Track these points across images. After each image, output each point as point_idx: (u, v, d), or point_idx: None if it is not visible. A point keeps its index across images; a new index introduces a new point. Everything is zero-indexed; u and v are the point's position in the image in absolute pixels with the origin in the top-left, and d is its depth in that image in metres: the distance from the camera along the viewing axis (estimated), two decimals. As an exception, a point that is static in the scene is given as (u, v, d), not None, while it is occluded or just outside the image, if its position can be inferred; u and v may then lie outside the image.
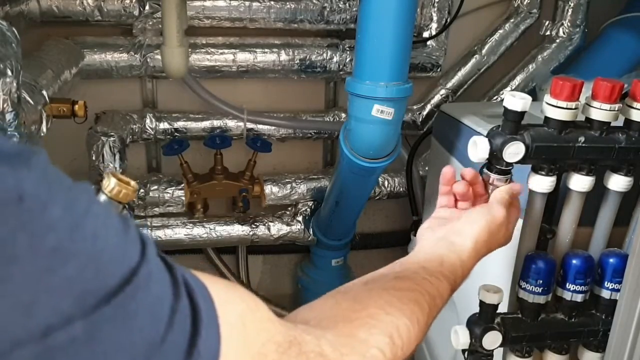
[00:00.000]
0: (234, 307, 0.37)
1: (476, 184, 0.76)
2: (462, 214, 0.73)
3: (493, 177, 0.77)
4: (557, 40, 1.59)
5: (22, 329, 0.24)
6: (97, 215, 0.29)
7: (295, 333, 0.42)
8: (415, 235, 1.55)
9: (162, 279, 0.32)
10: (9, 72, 0.73)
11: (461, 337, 0.84)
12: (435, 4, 1.56)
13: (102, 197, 0.64)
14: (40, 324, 0.25)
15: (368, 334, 0.48)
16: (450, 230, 0.69)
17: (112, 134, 1.37)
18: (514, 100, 0.75)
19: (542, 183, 0.80)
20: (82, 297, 0.26)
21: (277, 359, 0.39)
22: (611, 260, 0.85)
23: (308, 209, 1.65)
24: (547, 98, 0.77)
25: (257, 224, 1.62)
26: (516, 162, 0.76)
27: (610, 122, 0.78)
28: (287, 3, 1.46)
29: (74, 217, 0.27)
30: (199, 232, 1.58)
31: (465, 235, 0.68)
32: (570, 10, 1.56)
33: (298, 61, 1.52)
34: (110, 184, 0.57)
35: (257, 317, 0.39)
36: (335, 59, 1.54)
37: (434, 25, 1.58)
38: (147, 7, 1.42)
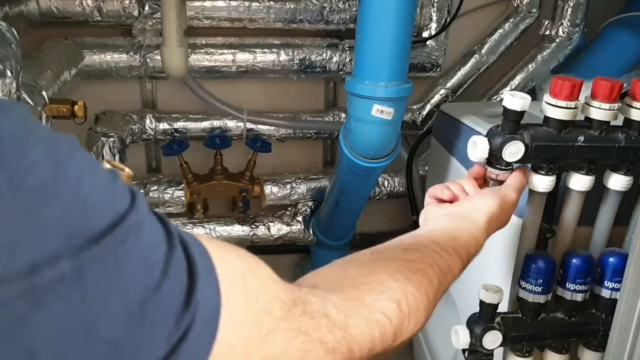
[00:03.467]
0: (233, 264, 0.37)
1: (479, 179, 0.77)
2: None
3: (497, 172, 0.76)
4: (557, 40, 1.59)
5: (5, 267, 0.24)
6: (82, 160, 0.28)
7: (299, 293, 0.41)
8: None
9: (153, 228, 0.32)
10: (9, 73, 0.73)
11: (461, 337, 0.84)
12: (435, 4, 1.56)
13: None
14: (25, 262, 0.24)
15: (375, 299, 0.47)
16: (463, 205, 0.68)
17: (111, 134, 1.37)
18: (514, 99, 0.75)
19: (542, 182, 0.80)
20: (69, 237, 0.26)
21: (282, 317, 0.38)
22: (611, 259, 0.85)
23: (308, 209, 1.65)
24: (547, 97, 0.77)
25: (257, 224, 1.62)
26: (516, 162, 0.76)
27: (609, 122, 0.78)
28: (287, 3, 1.47)
29: (56, 159, 0.27)
30: (199, 232, 1.58)
31: (479, 211, 0.66)
32: (569, 10, 1.56)
33: (298, 61, 1.53)
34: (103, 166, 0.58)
35: (259, 275, 0.38)
36: (334, 59, 1.54)
37: (433, 25, 1.58)
38: (146, 8, 1.42)
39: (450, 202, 0.72)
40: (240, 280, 0.36)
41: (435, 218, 0.67)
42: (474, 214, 0.66)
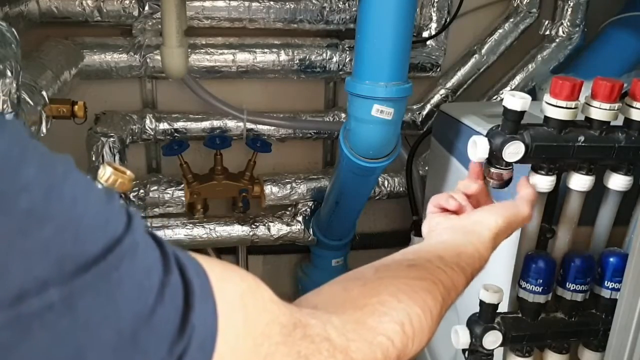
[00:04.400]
0: (233, 286, 0.35)
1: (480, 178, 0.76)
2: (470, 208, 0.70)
3: (499, 171, 0.76)
4: (557, 40, 1.59)
5: None
6: (77, 181, 0.27)
7: (299, 316, 0.40)
8: (415, 235, 1.56)
9: (149, 252, 0.30)
10: (9, 73, 0.73)
11: (461, 337, 0.84)
12: (435, 4, 1.56)
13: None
14: (12, 288, 0.23)
15: (377, 321, 0.45)
16: (469, 218, 0.66)
17: (111, 134, 1.37)
18: (514, 99, 0.74)
19: (542, 182, 0.80)
20: (59, 263, 0.25)
21: (281, 341, 0.37)
22: (611, 259, 0.85)
23: (308, 209, 1.65)
24: (547, 97, 0.77)
25: (257, 224, 1.62)
26: (516, 162, 0.76)
27: (609, 122, 0.78)
28: (287, 3, 1.46)
29: (50, 179, 0.26)
30: (199, 232, 1.58)
31: (486, 225, 0.64)
32: (569, 10, 1.56)
33: (298, 61, 1.52)
34: (105, 173, 0.56)
35: (259, 297, 0.37)
36: (334, 59, 1.54)
37: (433, 25, 1.58)
38: (146, 8, 1.42)
39: (456, 212, 0.70)
40: (240, 302, 0.35)
41: (440, 230, 0.65)
42: (479, 229, 0.64)
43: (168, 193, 1.50)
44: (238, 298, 0.35)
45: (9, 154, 0.25)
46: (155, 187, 1.50)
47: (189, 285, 0.31)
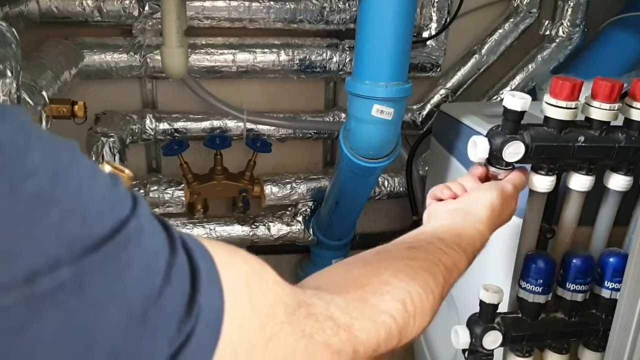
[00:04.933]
0: (237, 268, 0.36)
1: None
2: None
3: (499, 171, 0.76)
4: (557, 40, 1.59)
5: (4, 275, 0.23)
6: (82, 166, 0.28)
7: (303, 296, 0.41)
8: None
9: (156, 235, 0.31)
10: (9, 73, 0.73)
11: (461, 337, 0.84)
12: (435, 4, 1.56)
13: None
14: (25, 269, 0.24)
15: (379, 299, 0.46)
16: (464, 201, 0.68)
17: (111, 134, 1.37)
18: (514, 99, 0.75)
19: (542, 183, 0.80)
20: (69, 244, 0.25)
21: (286, 320, 0.38)
22: (611, 259, 0.85)
23: (308, 209, 1.65)
24: (547, 98, 0.77)
25: (257, 224, 1.62)
26: (516, 162, 0.76)
27: (609, 122, 0.78)
28: (287, 3, 1.46)
29: (56, 165, 0.26)
30: (199, 232, 1.58)
31: (481, 204, 0.66)
32: (569, 10, 1.56)
33: (298, 61, 1.52)
34: (104, 171, 0.57)
35: (263, 278, 0.38)
36: (334, 59, 1.54)
37: (433, 25, 1.58)
38: (146, 8, 1.42)
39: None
40: (244, 284, 0.36)
41: (438, 215, 0.67)
42: (476, 208, 0.65)
43: (168, 193, 1.50)
44: (243, 281, 0.36)
45: (14, 140, 0.25)
46: (155, 187, 1.50)
47: (195, 268, 0.32)
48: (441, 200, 0.72)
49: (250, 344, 0.35)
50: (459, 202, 0.69)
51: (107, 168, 0.62)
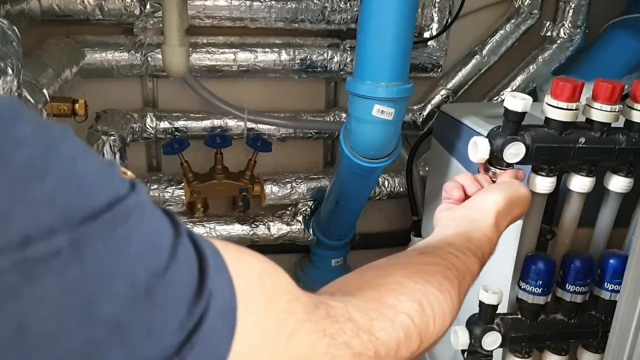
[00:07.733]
0: (249, 267, 0.35)
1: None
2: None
3: (499, 172, 0.76)
4: (558, 41, 1.59)
5: None
6: (75, 143, 0.27)
7: (320, 298, 0.40)
8: (415, 235, 1.56)
9: (157, 214, 0.30)
10: (10, 71, 0.73)
11: (461, 338, 0.84)
12: (436, 5, 1.56)
13: None
14: (17, 234, 0.23)
15: (396, 299, 0.45)
16: (470, 207, 0.68)
17: (112, 133, 1.37)
18: (515, 100, 0.75)
19: (543, 184, 0.80)
20: (64, 212, 0.25)
21: (306, 318, 0.37)
22: (611, 261, 0.85)
23: (308, 209, 1.65)
24: (548, 99, 0.77)
25: (257, 224, 1.62)
26: (516, 163, 0.76)
27: (610, 123, 0.78)
28: (288, 3, 1.46)
29: (46, 139, 0.26)
30: (199, 231, 1.58)
31: (487, 210, 0.65)
32: (571, 11, 1.56)
33: (299, 61, 1.52)
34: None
35: (277, 277, 0.37)
36: (335, 59, 1.54)
37: (434, 26, 1.58)
38: (148, 6, 1.42)
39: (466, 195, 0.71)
40: (258, 282, 0.35)
41: (446, 223, 0.66)
42: (481, 215, 0.65)
43: (168, 192, 1.50)
44: (256, 277, 0.35)
45: (3, 114, 0.25)
46: (156, 186, 1.50)
47: (202, 254, 0.31)
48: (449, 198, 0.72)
49: (270, 340, 0.34)
50: (464, 207, 0.68)
51: None
